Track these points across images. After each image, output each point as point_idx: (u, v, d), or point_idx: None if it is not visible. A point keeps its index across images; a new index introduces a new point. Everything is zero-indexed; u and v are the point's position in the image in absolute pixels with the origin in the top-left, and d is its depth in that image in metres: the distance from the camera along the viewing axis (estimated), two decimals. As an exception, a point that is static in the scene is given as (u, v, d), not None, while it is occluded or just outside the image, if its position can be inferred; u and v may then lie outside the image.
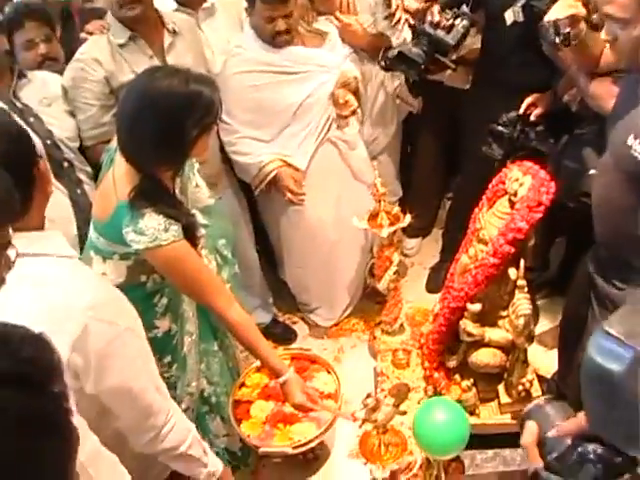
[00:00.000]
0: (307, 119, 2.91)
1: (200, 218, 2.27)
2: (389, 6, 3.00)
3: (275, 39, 2.80)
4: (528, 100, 2.75)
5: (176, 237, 2.00)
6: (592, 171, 2.51)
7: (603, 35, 1.92)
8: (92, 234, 2.09)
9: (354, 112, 2.93)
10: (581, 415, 1.26)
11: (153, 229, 1.96)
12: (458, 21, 2.63)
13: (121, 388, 1.58)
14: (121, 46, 2.62)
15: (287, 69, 2.86)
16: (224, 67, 2.87)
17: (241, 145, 2.90)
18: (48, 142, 2.51)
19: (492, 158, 2.72)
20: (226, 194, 3.02)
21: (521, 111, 2.75)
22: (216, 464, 1.88)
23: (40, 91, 2.59)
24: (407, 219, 2.83)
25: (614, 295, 2.09)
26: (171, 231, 2.00)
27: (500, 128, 2.73)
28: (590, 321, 2.25)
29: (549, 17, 2.16)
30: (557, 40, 2.17)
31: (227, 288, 2.27)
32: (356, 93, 2.93)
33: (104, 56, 2.59)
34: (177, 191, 2.18)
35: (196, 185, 2.31)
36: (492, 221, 2.31)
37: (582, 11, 2.15)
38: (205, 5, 3.01)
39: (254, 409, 2.51)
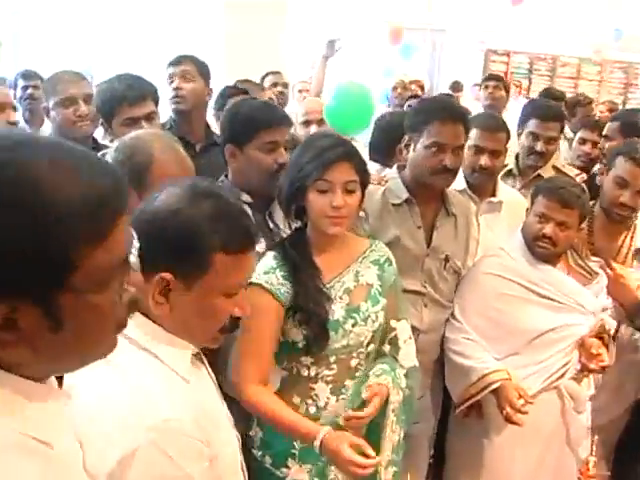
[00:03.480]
0: (543, 354, 2.58)
1: (402, 379, 2.17)
2: None
3: (537, 242, 2.56)
4: None
5: (267, 286, 1.99)
6: None
7: None
8: None
9: (603, 369, 2.57)
10: None
11: (260, 265, 2.02)
12: None
13: None
14: (394, 205, 2.52)
15: (542, 291, 2.60)
16: (478, 263, 2.71)
17: (467, 347, 2.60)
18: None
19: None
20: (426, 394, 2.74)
21: None
22: None
23: None
24: (609, 519, 2.38)
25: None
26: (271, 279, 1.99)
27: None
28: None
29: None
30: None
31: (266, 367, 2.06)
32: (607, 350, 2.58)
33: (373, 209, 2.51)
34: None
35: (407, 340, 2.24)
36: None
37: None
38: (492, 199, 2.92)
39: None
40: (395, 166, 2.67)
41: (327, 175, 1.97)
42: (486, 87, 5.31)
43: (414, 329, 2.50)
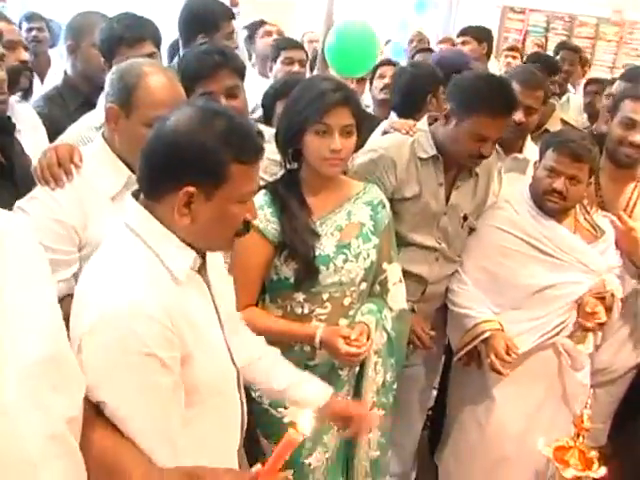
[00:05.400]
0: (542, 310, 2.59)
1: (388, 321, 2.23)
2: None
3: (547, 197, 2.55)
4: None
5: (260, 227, 2.05)
6: None
7: None
8: None
9: (599, 327, 2.60)
10: None
11: None
12: None
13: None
14: (420, 159, 2.51)
15: (543, 247, 2.61)
16: (484, 215, 2.72)
17: (464, 298, 2.66)
18: None
19: None
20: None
21: None
22: None
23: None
24: (602, 471, 2.40)
25: None
26: (259, 216, 1.98)
27: None
28: None
29: None
30: None
31: (253, 298, 2.19)
32: (608, 311, 2.60)
33: (401, 161, 2.50)
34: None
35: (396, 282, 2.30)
36: None
37: None
38: (518, 156, 2.96)
39: None
40: (426, 117, 2.64)
41: (326, 118, 2.03)
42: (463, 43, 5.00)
43: (423, 281, 2.61)
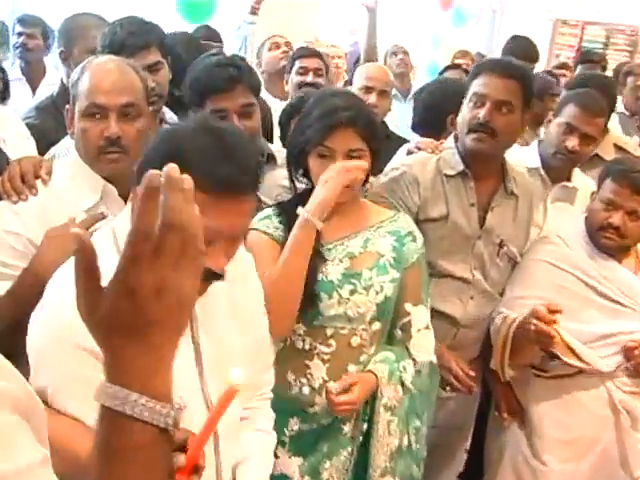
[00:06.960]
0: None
1: (407, 374, 2.02)
2: None
3: (601, 232, 2.38)
4: None
5: (263, 229, 1.96)
6: None
7: None
8: None
9: None
10: None
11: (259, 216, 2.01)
12: None
13: None
14: (447, 176, 2.39)
15: (601, 288, 2.39)
16: (531, 249, 2.50)
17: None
18: None
19: None
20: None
21: None
22: None
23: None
24: None
25: None
26: (267, 224, 1.98)
27: None
28: None
29: None
30: None
31: None
32: None
33: (425, 179, 2.38)
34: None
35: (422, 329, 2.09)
36: None
37: None
38: (567, 184, 2.78)
39: None
40: (452, 135, 2.55)
41: (328, 141, 1.91)
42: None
43: (454, 322, 2.42)
